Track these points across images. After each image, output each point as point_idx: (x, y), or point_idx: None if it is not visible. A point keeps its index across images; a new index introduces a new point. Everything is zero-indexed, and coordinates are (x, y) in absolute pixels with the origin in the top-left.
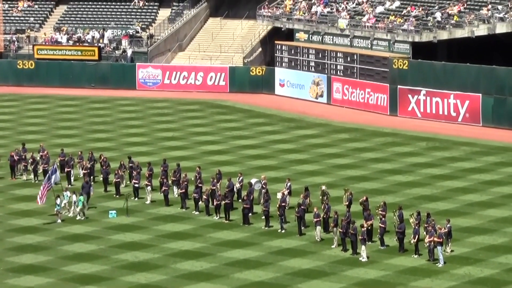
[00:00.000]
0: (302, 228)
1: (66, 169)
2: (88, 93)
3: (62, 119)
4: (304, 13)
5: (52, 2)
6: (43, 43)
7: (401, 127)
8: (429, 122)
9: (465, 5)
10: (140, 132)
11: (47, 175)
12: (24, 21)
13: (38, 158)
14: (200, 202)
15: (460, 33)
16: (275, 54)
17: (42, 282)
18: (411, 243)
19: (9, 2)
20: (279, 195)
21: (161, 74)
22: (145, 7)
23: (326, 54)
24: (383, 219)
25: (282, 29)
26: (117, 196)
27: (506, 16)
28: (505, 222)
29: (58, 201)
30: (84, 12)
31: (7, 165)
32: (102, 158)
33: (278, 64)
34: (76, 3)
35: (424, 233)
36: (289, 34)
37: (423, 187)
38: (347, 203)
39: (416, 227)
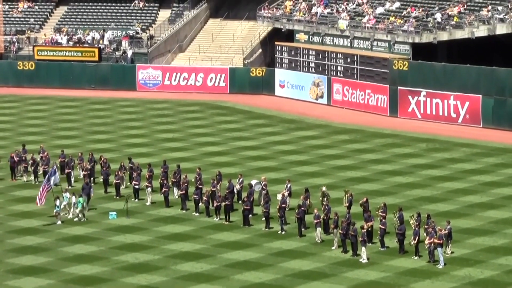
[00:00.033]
0: (302, 229)
1: (66, 170)
2: (88, 94)
3: (62, 120)
4: (304, 14)
5: (52, 3)
6: (43, 44)
7: (401, 128)
8: (429, 123)
9: (465, 6)
10: (140, 133)
11: (46, 176)
12: (24, 22)
13: (38, 159)
14: (200, 204)
15: (460, 34)
16: (275, 55)
17: (43, 283)
18: (411, 244)
19: (9, 3)
20: (279, 197)
21: (161, 75)
22: (145, 8)
23: (326, 55)
24: (383, 220)
25: (282, 30)
26: (117, 198)
27: (506, 17)
28: (505, 224)
29: (57, 202)
30: (84, 13)
31: (7, 166)
32: (102, 159)
33: (278, 65)
34: (76, 4)
35: (424, 234)
36: (289, 35)
37: (423, 188)
38: (347, 204)
39: (416, 229)
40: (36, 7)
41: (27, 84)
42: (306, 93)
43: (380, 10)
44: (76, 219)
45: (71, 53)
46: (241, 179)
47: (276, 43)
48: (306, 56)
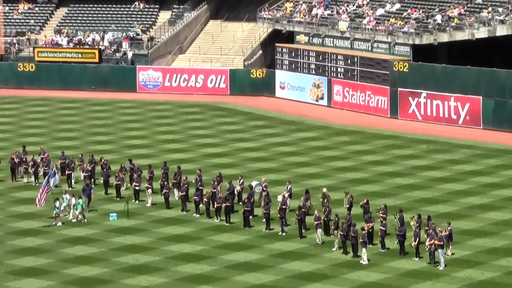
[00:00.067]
0: (303, 230)
1: (66, 172)
2: (89, 95)
3: (62, 121)
4: (305, 16)
5: (52, 5)
6: (44, 46)
7: (402, 129)
8: (429, 125)
9: (466, 7)
10: (140, 135)
11: (46, 177)
12: (24, 24)
13: (39, 160)
14: (201, 205)
15: (460, 36)
16: (276, 57)
17: (43, 285)
18: (411, 246)
19: (9, 5)
20: (279, 198)
21: (161, 76)
22: (146, 9)
23: (326, 57)
24: (384, 221)
25: (283, 32)
26: (118, 199)
27: (507, 18)
28: (505, 225)
29: (57, 204)
30: (85, 15)
31: (8, 168)
32: (103, 160)
33: (279, 67)
34: (76, 5)
35: (425, 236)
36: (290, 37)
37: (423, 189)
38: (347, 205)
39: (417, 230)
40: (37, 8)
41: (27, 86)
42: (307, 95)
43: (380, 11)
44: (75, 220)
45: (71, 55)
46: (241, 181)
47: (276, 44)
48: (306, 57)
